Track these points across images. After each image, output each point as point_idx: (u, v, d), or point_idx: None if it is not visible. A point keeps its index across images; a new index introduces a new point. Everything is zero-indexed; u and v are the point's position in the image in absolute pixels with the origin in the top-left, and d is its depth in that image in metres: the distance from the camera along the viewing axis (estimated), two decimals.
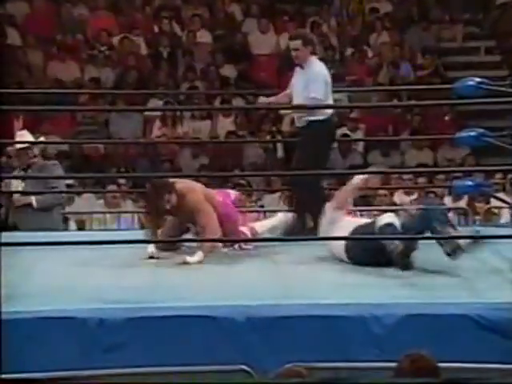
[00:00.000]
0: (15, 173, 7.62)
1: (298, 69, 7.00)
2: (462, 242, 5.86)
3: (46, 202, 7.52)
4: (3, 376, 3.46)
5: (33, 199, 7.49)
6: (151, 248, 6.25)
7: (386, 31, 13.32)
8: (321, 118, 6.83)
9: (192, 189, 6.36)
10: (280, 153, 11.55)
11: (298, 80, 6.94)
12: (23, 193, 7.50)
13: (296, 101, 6.90)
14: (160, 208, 6.29)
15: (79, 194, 10.05)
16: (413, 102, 11.49)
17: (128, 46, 12.95)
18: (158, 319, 4.96)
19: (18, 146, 7.58)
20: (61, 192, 7.83)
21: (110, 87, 12.29)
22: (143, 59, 12.91)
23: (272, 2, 13.74)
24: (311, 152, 6.80)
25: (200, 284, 5.59)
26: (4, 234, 6.89)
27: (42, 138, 8.00)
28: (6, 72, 12.41)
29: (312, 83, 6.83)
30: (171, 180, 6.38)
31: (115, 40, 13.06)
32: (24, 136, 7.61)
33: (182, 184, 6.36)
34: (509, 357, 4.69)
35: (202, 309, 5.01)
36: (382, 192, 9.82)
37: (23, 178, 7.60)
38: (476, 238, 5.93)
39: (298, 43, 6.94)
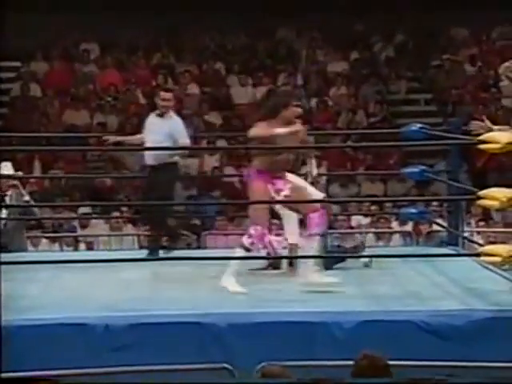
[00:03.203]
0: None
1: (154, 118, 6.91)
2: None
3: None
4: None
5: None
6: None
7: (344, 85, 13.36)
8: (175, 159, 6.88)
9: None
10: None
11: (158, 127, 6.82)
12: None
13: (157, 144, 6.74)
14: None
15: (89, 219, 9.98)
16: (367, 144, 11.50)
17: (130, 97, 12.97)
18: (154, 325, 4.90)
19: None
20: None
21: (114, 131, 12.26)
22: (142, 108, 12.88)
23: (250, 60, 13.79)
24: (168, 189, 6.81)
25: (189, 295, 5.53)
26: (22, 254, 6.88)
27: (20, 173, 7.85)
28: (29, 119, 12.40)
29: (182, 131, 6.84)
30: None
31: (119, 92, 13.08)
32: (7, 167, 7.43)
33: None
34: (445, 355, 4.66)
35: (190, 316, 4.96)
36: (341, 217, 9.80)
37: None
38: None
39: (171, 95, 7.00)
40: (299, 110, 5.83)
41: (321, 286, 5.45)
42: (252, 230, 5.51)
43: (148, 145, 6.85)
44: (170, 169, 6.85)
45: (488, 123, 5.49)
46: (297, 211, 5.77)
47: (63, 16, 13.02)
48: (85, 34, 13.60)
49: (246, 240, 5.51)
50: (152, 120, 6.95)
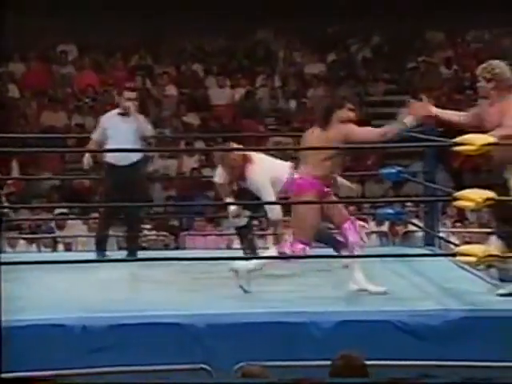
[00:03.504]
0: None
1: (116, 117, 6.91)
2: None
3: None
4: (3, 375, 3.39)
5: None
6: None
7: (321, 86, 13.39)
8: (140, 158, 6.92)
9: None
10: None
11: (125, 126, 6.82)
12: None
13: (125, 144, 6.73)
14: None
15: (67, 220, 9.94)
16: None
17: (107, 98, 12.92)
18: (133, 326, 4.89)
19: None
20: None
21: (92, 132, 12.20)
22: None
23: (228, 62, 13.81)
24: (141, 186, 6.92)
25: (168, 296, 5.53)
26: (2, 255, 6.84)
27: None
28: (6, 120, 12.34)
29: (148, 129, 6.87)
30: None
31: (97, 93, 13.04)
32: None
33: None
34: (422, 355, 4.69)
35: (169, 317, 4.96)
36: None
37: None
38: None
39: (135, 94, 7.04)
40: (352, 114, 5.74)
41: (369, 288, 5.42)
42: (295, 247, 5.31)
43: (115, 145, 6.80)
44: (139, 167, 6.84)
45: (427, 105, 5.51)
46: (331, 222, 5.59)
47: (41, 17, 12.97)
48: (62, 36, 13.56)
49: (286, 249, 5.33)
50: (115, 119, 6.92)
